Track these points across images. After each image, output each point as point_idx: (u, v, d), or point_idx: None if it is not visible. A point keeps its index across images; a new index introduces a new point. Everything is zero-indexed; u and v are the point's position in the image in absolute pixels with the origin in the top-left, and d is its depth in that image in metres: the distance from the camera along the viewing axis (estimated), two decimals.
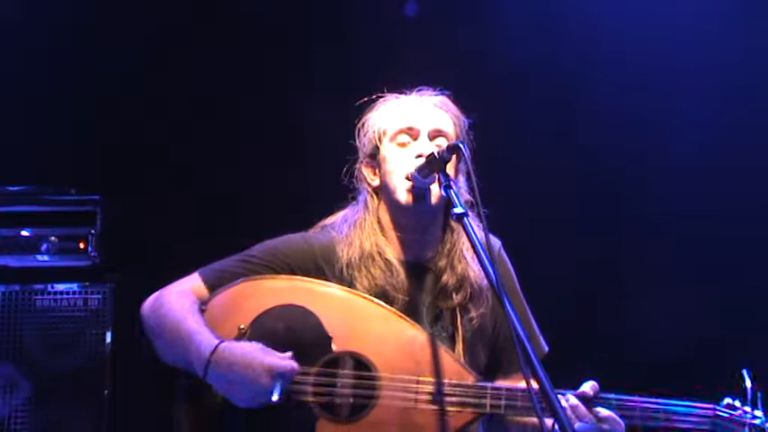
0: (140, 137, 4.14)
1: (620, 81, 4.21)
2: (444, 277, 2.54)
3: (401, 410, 2.32)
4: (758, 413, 2.37)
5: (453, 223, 2.54)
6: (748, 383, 2.37)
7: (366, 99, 2.67)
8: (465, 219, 2.20)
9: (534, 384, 1.95)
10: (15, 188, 3.70)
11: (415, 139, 2.54)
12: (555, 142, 4.20)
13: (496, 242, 2.63)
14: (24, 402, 3.47)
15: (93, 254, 3.59)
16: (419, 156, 2.46)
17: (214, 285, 2.50)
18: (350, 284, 2.50)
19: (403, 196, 2.50)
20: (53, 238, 3.58)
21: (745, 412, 2.37)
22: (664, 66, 4.22)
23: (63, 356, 3.50)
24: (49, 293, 3.54)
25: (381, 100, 2.65)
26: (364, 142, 2.63)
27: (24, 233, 3.60)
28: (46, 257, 3.58)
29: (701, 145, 4.12)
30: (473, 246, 2.17)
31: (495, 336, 2.60)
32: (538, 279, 2.82)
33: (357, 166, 2.66)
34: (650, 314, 4.05)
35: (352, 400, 2.35)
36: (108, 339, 3.50)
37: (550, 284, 3.76)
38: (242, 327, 2.39)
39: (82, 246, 3.59)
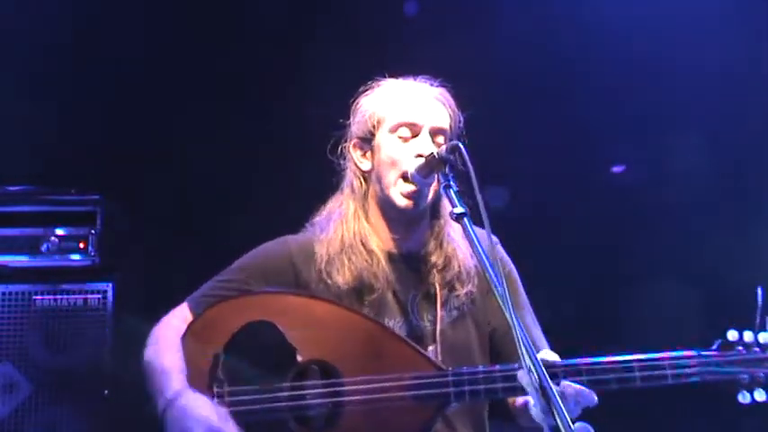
0: (140, 137, 4.14)
1: (621, 82, 4.21)
2: (432, 258, 2.53)
3: (369, 412, 2.31)
4: (765, 337, 2.21)
5: (442, 210, 2.55)
6: (759, 304, 2.21)
7: (364, 88, 2.63)
8: (465, 218, 2.20)
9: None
10: (15, 188, 3.70)
11: (416, 135, 2.50)
12: (555, 142, 4.20)
13: (494, 239, 2.60)
14: (24, 402, 3.47)
15: (93, 254, 3.59)
16: (419, 156, 2.44)
17: (200, 313, 2.53)
18: (326, 283, 2.50)
19: (399, 199, 2.48)
20: (53, 237, 3.59)
21: (748, 346, 2.21)
22: (665, 68, 4.21)
23: (63, 356, 3.50)
24: (49, 293, 3.54)
25: (380, 83, 2.62)
26: (359, 123, 2.58)
27: (24, 233, 3.60)
28: (46, 257, 3.59)
29: (703, 146, 4.13)
30: (473, 245, 2.16)
31: (489, 322, 2.58)
32: (536, 281, 2.81)
33: (345, 144, 2.62)
34: (651, 312, 4.05)
35: (323, 409, 2.35)
36: (108, 339, 3.51)
37: (549, 285, 3.76)
38: (216, 354, 2.39)
39: (82, 246, 3.59)
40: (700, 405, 3.96)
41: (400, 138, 2.51)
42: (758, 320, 2.23)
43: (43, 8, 4.13)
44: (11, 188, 3.69)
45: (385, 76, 2.63)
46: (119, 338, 3.52)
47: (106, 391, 3.46)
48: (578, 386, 2.19)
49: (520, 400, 2.45)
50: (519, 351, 1.94)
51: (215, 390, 2.36)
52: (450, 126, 2.56)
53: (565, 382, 2.19)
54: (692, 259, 4.14)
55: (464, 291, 2.51)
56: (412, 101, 2.54)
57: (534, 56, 4.19)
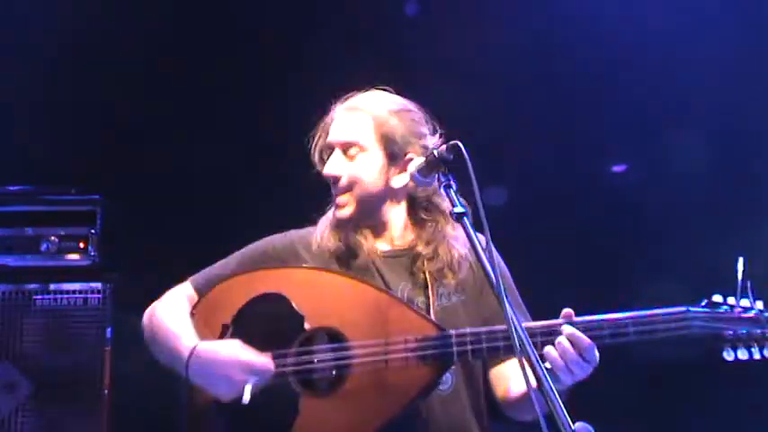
0: (140, 137, 4.15)
1: (621, 81, 4.20)
2: (419, 248, 2.57)
3: (374, 374, 2.37)
4: (746, 303, 2.35)
5: (428, 206, 2.60)
6: (740, 273, 2.35)
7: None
8: (464, 218, 2.22)
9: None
10: (15, 188, 3.71)
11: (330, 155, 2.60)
12: (554, 142, 4.20)
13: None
14: (24, 402, 3.47)
15: (93, 254, 3.59)
16: (327, 175, 2.55)
17: (203, 291, 2.59)
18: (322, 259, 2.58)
19: (337, 211, 2.57)
20: (53, 237, 3.59)
21: (732, 307, 2.34)
22: (665, 67, 4.21)
23: (63, 356, 3.50)
24: (49, 293, 3.55)
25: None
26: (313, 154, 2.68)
27: (24, 233, 3.60)
28: (46, 257, 3.59)
29: (704, 145, 4.12)
30: (472, 245, 2.18)
31: (480, 314, 2.58)
32: (535, 281, 2.81)
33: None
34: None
35: (329, 372, 2.41)
36: (107, 339, 3.51)
37: (548, 285, 3.77)
38: (225, 324, 2.47)
39: (82, 245, 3.60)
40: (700, 407, 3.97)
41: (323, 161, 2.61)
42: (740, 288, 2.36)
43: (43, 8, 4.14)
44: (11, 188, 3.70)
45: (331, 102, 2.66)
46: (119, 338, 3.52)
47: (105, 391, 3.47)
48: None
49: (515, 392, 2.48)
50: (513, 342, 1.99)
51: None
52: (372, 129, 2.56)
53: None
54: (691, 259, 4.14)
55: (453, 280, 2.55)
56: (328, 123, 2.63)
57: (534, 55, 4.19)
